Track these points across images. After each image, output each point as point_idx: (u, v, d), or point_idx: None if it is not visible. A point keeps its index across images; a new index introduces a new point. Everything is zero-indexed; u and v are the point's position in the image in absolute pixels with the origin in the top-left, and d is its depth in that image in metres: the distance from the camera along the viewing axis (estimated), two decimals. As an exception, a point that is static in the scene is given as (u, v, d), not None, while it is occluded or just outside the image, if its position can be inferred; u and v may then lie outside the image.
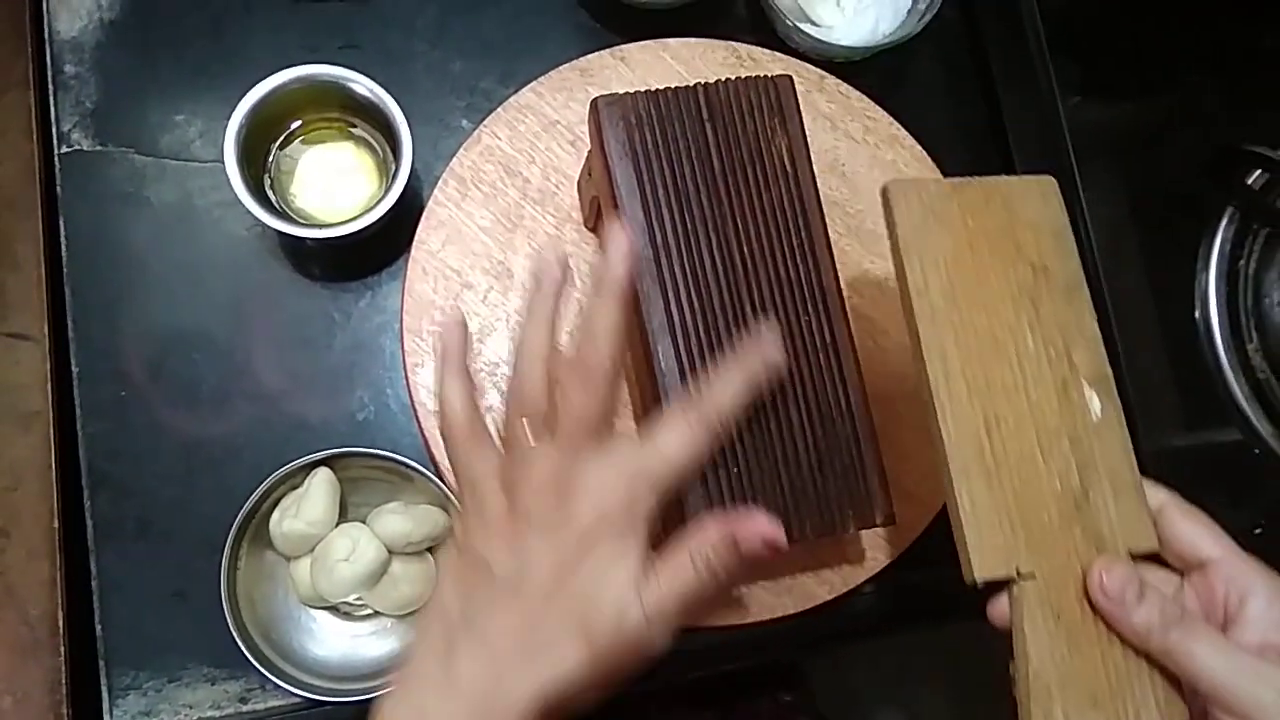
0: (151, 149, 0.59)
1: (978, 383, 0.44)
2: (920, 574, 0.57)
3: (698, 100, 0.50)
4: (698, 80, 0.50)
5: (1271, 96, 0.69)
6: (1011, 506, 0.43)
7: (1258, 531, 0.64)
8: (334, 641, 0.56)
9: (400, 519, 0.54)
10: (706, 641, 0.56)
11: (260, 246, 0.59)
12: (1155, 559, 0.45)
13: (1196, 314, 0.67)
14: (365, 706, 0.45)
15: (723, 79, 0.50)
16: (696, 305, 0.47)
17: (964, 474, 0.43)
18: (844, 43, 0.61)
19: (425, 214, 0.57)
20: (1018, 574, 0.42)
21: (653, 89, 0.49)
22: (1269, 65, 0.70)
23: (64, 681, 0.52)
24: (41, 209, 0.57)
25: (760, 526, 0.42)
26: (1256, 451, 0.66)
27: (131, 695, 0.54)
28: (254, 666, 0.51)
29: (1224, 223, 0.68)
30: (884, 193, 0.46)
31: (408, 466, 0.54)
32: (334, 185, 0.59)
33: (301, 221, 0.57)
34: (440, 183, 0.57)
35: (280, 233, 0.55)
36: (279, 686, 0.52)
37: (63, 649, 0.52)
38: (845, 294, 0.50)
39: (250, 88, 0.54)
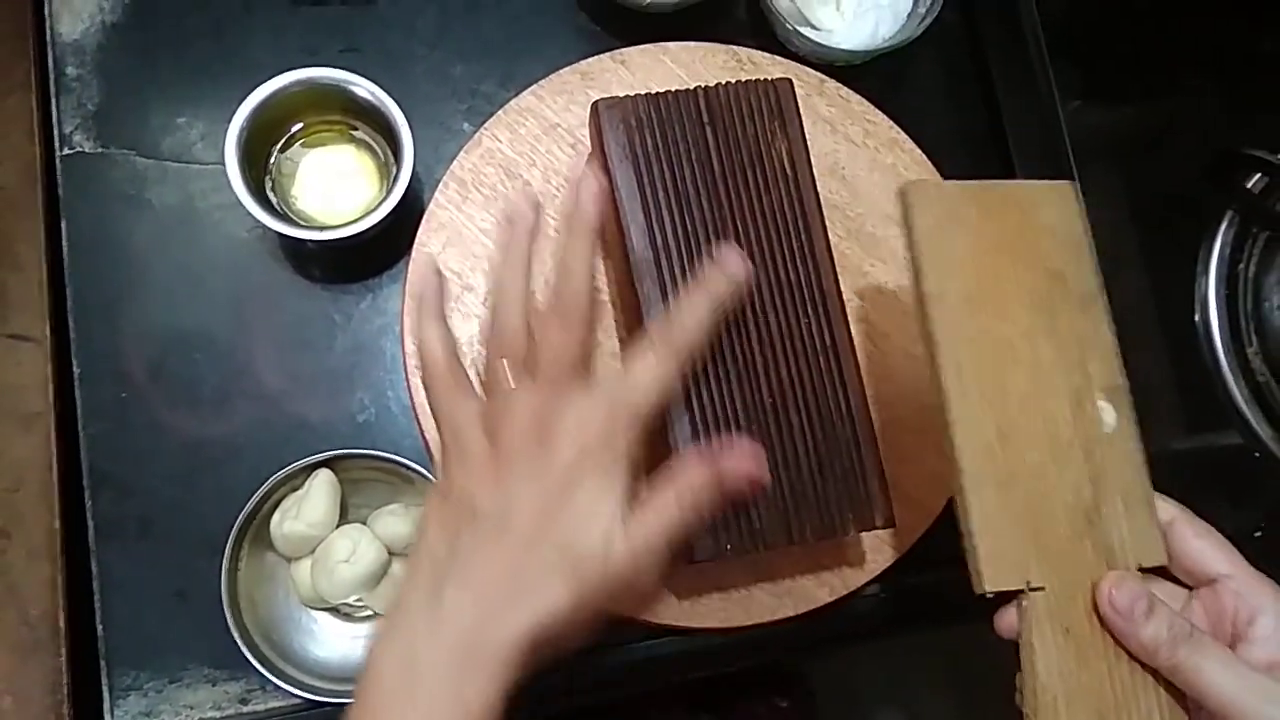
0: (153, 151, 0.59)
1: (991, 391, 0.44)
2: (921, 577, 0.57)
3: (698, 103, 0.50)
4: (698, 84, 0.51)
5: (1271, 101, 0.70)
6: (1023, 518, 0.43)
7: (1258, 534, 0.65)
8: (334, 643, 0.56)
9: (400, 520, 0.55)
10: (707, 643, 0.56)
11: (261, 249, 0.59)
12: (1163, 573, 0.45)
13: (1196, 317, 0.67)
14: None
15: (723, 82, 0.50)
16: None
17: (976, 483, 0.42)
18: (844, 46, 0.61)
19: (426, 216, 0.57)
20: (1027, 586, 0.42)
21: (653, 92, 0.50)
22: (1268, 69, 0.71)
23: (65, 682, 0.52)
24: (43, 211, 0.57)
25: (743, 463, 0.42)
26: (1256, 454, 0.66)
27: (132, 696, 0.54)
28: (254, 667, 0.51)
29: (1224, 226, 0.68)
30: (902, 195, 0.46)
31: (408, 468, 0.54)
32: (335, 188, 0.59)
33: (302, 224, 0.57)
34: (441, 185, 0.57)
35: (281, 235, 0.55)
36: (279, 687, 0.52)
37: (63, 649, 0.52)
38: (845, 297, 0.50)
39: (251, 90, 0.54)
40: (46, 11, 0.60)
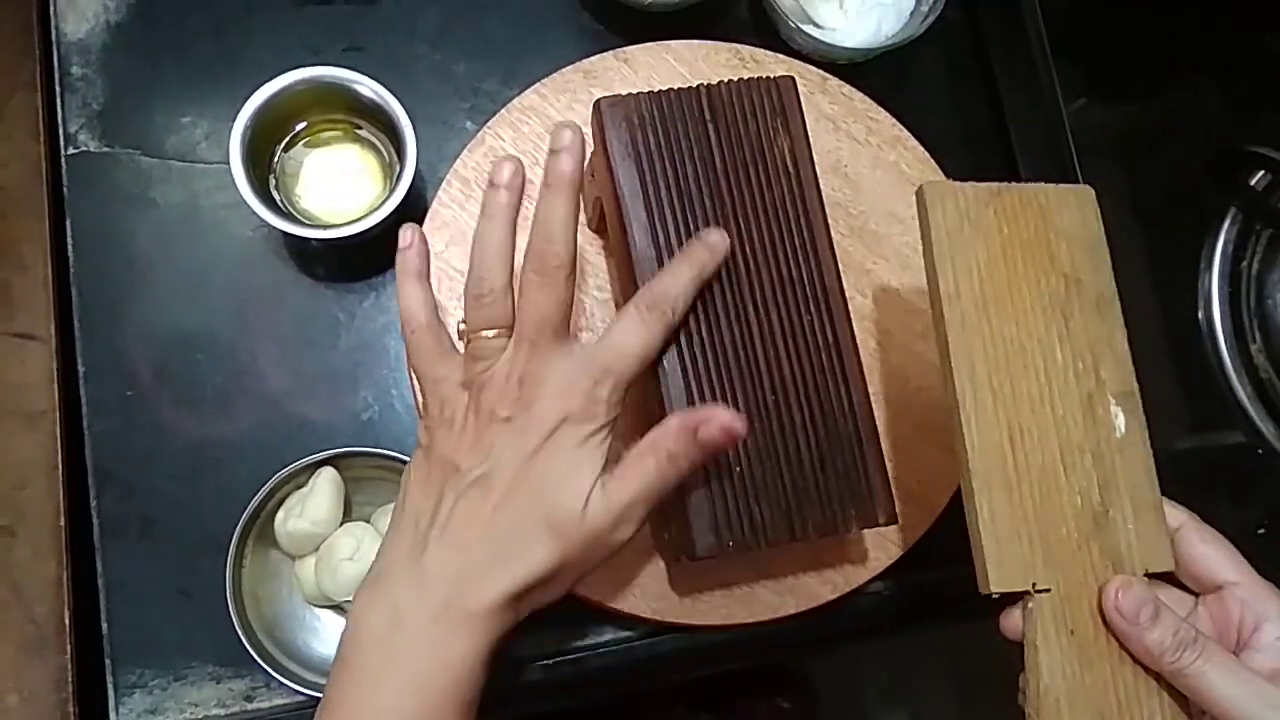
0: (157, 150, 0.60)
1: (1004, 393, 0.44)
2: (923, 574, 0.58)
3: (700, 101, 0.50)
4: (700, 82, 0.51)
5: (1273, 98, 0.70)
6: (1031, 520, 0.43)
7: (1261, 531, 0.65)
8: (338, 640, 0.56)
9: (404, 518, 0.55)
10: (708, 640, 0.56)
11: (265, 247, 0.59)
12: (1170, 579, 0.45)
13: (1199, 315, 0.68)
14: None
15: (725, 80, 0.50)
16: (698, 305, 0.47)
17: (985, 484, 0.43)
18: (847, 44, 0.61)
19: (429, 215, 0.57)
20: (1033, 588, 0.42)
21: (655, 90, 0.50)
22: (1270, 67, 0.71)
23: (70, 680, 0.52)
24: (48, 210, 0.57)
25: (719, 415, 0.43)
26: (1259, 452, 0.66)
27: (137, 693, 0.55)
28: (259, 665, 0.51)
29: (1227, 223, 0.68)
30: (919, 195, 0.46)
31: (412, 466, 0.54)
32: (338, 186, 0.59)
33: (306, 222, 0.57)
34: (444, 184, 0.57)
35: (285, 234, 0.55)
36: (284, 685, 0.52)
37: (69, 647, 0.53)
38: (847, 294, 0.50)
39: (255, 90, 0.54)
40: (51, 11, 0.60)
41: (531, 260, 0.44)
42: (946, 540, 0.48)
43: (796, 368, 0.48)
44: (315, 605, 0.56)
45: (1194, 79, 0.71)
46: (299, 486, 0.55)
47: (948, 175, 0.61)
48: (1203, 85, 0.71)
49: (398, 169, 0.55)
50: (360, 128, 0.59)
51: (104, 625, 0.55)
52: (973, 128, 0.66)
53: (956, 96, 0.67)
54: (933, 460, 0.57)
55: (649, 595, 0.54)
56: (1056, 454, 0.44)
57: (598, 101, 0.49)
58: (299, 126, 0.59)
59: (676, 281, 0.45)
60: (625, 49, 0.60)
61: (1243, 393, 0.66)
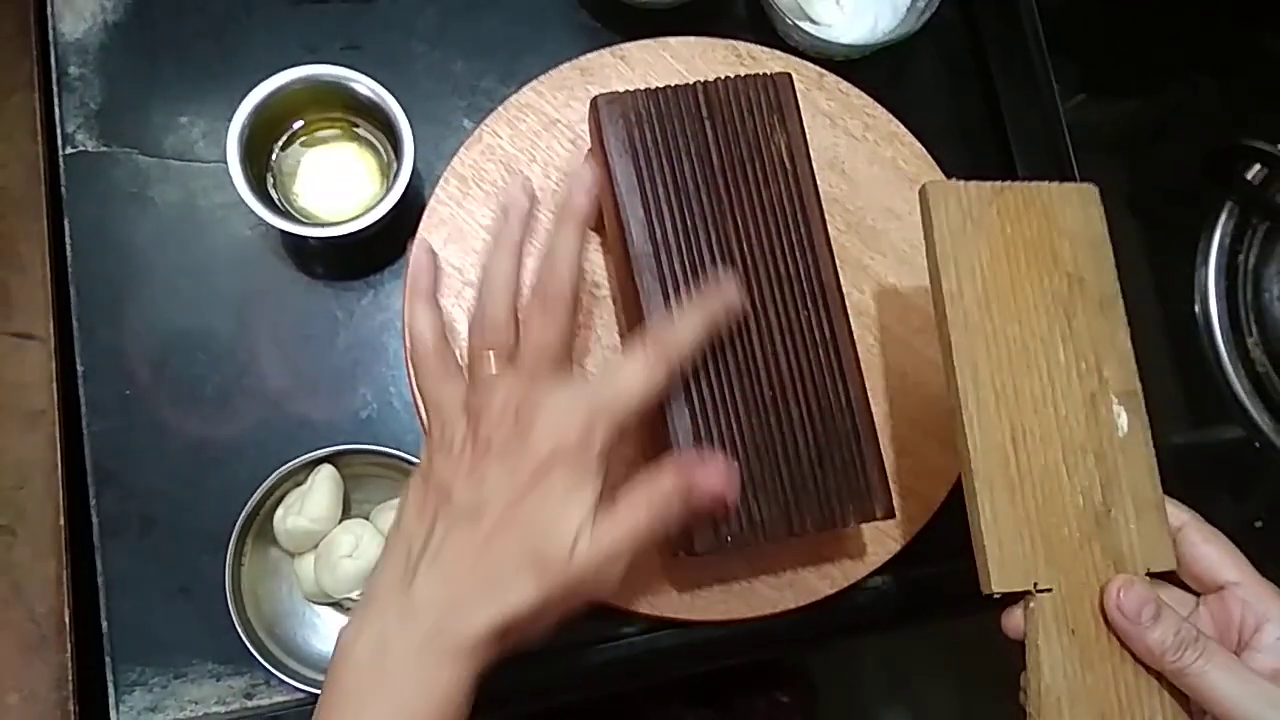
0: (155, 150, 0.60)
1: (1006, 393, 0.44)
2: (922, 569, 0.58)
3: (697, 98, 0.50)
4: (697, 79, 0.51)
5: (1269, 95, 0.70)
6: (1033, 519, 0.43)
7: (1258, 525, 0.65)
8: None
9: (403, 516, 0.55)
10: (707, 635, 0.56)
11: (263, 246, 0.59)
12: (1172, 579, 0.45)
13: (1196, 309, 0.68)
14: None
15: (722, 77, 0.50)
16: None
17: (987, 484, 0.43)
18: (843, 41, 0.61)
19: (427, 212, 0.57)
20: (1035, 587, 0.42)
21: (652, 87, 0.50)
22: (1266, 63, 0.71)
23: (70, 678, 0.52)
24: (46, 209, 0.57)
25: (715, 479, 0.43)
26: (1257, 445, 0.66)
27: (137, 691, 0.55)
28: (259, 662, 0.51)
29: (1223, 217, 0.68)
30: (923, 195, 0.46)
31: (410, 463, 0.54)
32: (336, 185, 0.59)
33: (304, 221, 0.57)
34: (441, 181, 0.57)
35: (283, 232, 0.55)
36: (284, 682, 0.52)
37: (69, 646, 0.53)
38: (844, 290, 0.50)
39: (252, 88, 0.54)
40: (49, 11, 0.60)
41: (536, 291, 0.45)
42: (945, 535, 0.48)
43: (794, 364, 0.48)
44: (315, 602, 0.56)
45: (1191, 76, 0.71)
46: (298, 484, 0.55)
47: (945, 171, 0.61)
48: (1200, 82, 0.71)
49: (395, 167, 0.55)
50: (358, 126, 0.59)
51: (104, 624, 0.55)
52: (969, 124, 0.66)
53: (953, 93, 0.67)
54: (930, 455, 0.57)
55: (647, 591, 0.54)
56: (1059, 454, 0.44)
57: (595, 98, 0.49)
58: (296, 125, 0.59)
59: (687, 330, 0.45)
60: (622, 46, 0.60)
61: (1239, 387, 0.66)
